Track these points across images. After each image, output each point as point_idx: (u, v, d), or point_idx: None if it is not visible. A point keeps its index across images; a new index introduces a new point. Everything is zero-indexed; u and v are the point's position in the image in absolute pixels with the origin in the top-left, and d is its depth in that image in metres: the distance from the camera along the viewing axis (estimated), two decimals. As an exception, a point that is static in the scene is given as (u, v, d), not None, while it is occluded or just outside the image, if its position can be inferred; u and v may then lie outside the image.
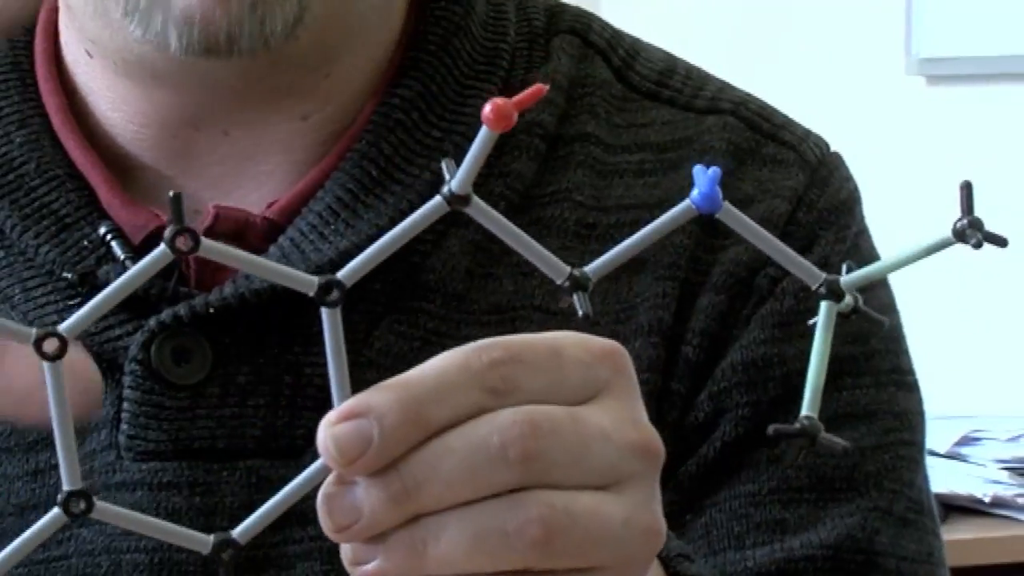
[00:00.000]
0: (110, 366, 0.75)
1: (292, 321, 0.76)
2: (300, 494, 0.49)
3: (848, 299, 0.49)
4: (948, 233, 0.45)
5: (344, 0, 0.77)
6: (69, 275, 0.76)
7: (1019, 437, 1.82)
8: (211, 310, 0.74)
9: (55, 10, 0.81)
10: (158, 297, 0.75)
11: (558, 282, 0.49)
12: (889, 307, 0.82)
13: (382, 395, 0.48)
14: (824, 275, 0.50)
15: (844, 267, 0.51)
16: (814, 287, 0.50)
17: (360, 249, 0.69)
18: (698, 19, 2.40)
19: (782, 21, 2.44)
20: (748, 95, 0.84)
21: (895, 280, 0.78)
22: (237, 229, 0.76)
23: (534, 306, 0.77)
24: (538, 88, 0.46)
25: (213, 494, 0.74)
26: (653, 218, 0.74)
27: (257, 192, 0.78)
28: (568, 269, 0.48)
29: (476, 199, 0.47)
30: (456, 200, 0.45)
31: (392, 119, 0.78)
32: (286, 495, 0.49)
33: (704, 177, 0.47)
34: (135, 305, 0.74)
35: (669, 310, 0.77)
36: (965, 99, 2.37)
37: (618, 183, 0.81)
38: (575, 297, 0.48)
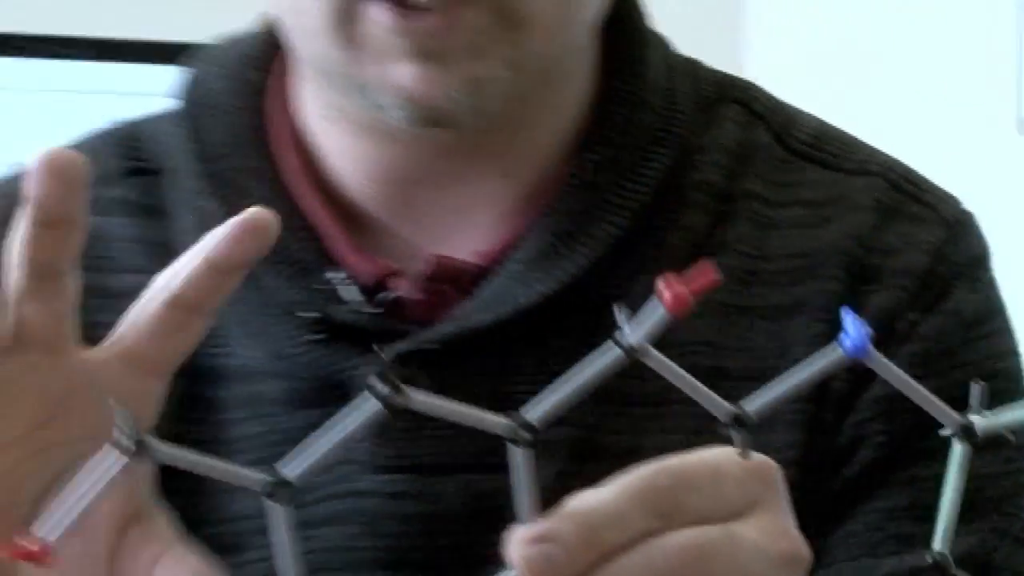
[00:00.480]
0: (341, 392, 0.80)
1: (500, 356, 0.83)
2: None
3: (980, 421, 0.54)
4: None
5: (547, 73, 0.83)
6: (305, 314, 0.83)
7: None
8: (432, 345, 0.81)
9: (285, 82, 0.89)
10: (385, 331, 0.82)
11: (722, 420, 0.54)
12: (1010, 352, 0.88)
13: (565, 523, 0.53)
14: (959, 419, 0.54)
15: (977, 396, 0.55)
16: (950, 432, 0.55)
17: (559, 296, 0.82)
18: (816, 78, 2.45)
19: (898, 79, 2.48)
20: (894, 159, 0.90)
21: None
22: (452, 275, 0.83)
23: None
24: (708, 272, 0.51)
25: (436, 502, 0.82)
26: (805, 267, 0.85)
27: (466, 240, 0.85)
28: (730, 410, 0.53)
29: (651, 349, 0.51)
30: (634, 351, 0.51)
31: (584, 180, 0.84)
32: None
33: (855, 327, 0.51)
34: (363, 339, 0.82)
35: (822, 343, 0.80)
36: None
37: (776, 235, 0.86)
38: (734, 433, 0.54)
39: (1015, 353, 0.89)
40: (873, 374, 0.78)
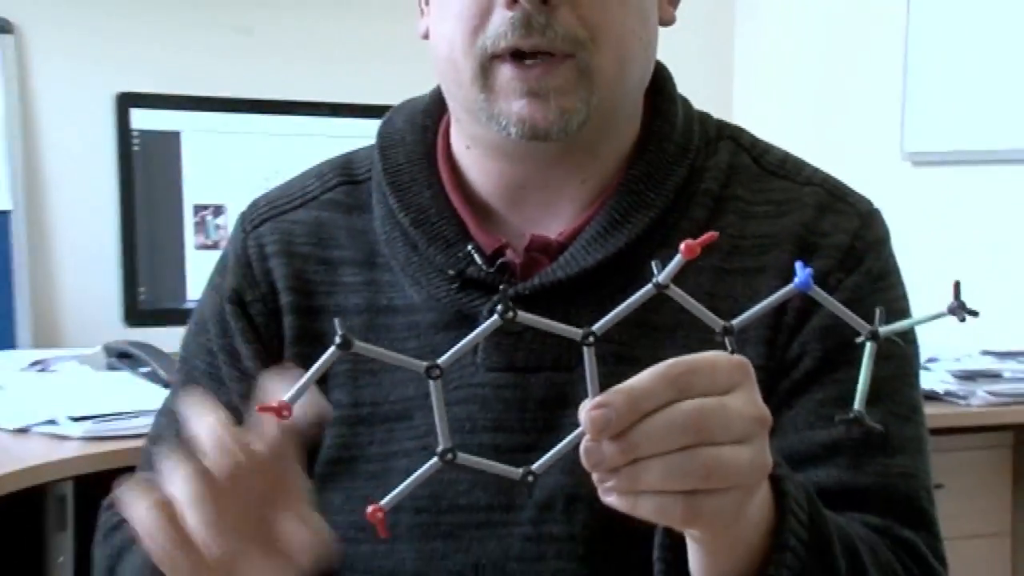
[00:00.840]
0: (470, 319, 0.99)
1: (571, 300, 0.99)
2: (575, 442, 0.69)
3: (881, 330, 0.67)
4: (943, 308, 0.63)
5: (610, 113, 1.00)
6: (451, 272, 1.02)
7: (961, 358, 2.41)
8: (527, 292, 0.99)
9: (448, 124, 1.08)
10: (499, 283, 1.00)
11: (716, 329, 0.68)
12: (902, 298, 1.05)
13: (616, 396, 0.67)
14: (869, 327, 0.67)
15: (879, 315, 0.66)
16: (864, 333, 0.68)
17: (606, 263, 0.98)
18: (781, 119, 3.01)
19: (804, 117, 3.05)
20: (829, 175, 1.07)
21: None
22: (543, 246, 1.02)
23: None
24: (711, 235, 0.65)
25: (527, 390, 1.00)
26: (771, 243, 1.01)
27: (553, 225, 1.03)
28: (721, 323, 0.67)
29: (673, 286, 0.65)
30: (661, 287, 0.65)
31: (630, 187, 1.02)
32: (568, 441, 0.69)
33: (803, 271, 0.65)
34: (485, 287, 1.01)
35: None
36: (944, 179, 2.83)
37: (752, 223, 1.03)
38: (726, 340, 0.68)
39: (905, 298, 1.05)
40: (814, 310, 0.98)
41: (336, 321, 0.64)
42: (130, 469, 1.66)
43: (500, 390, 1.00)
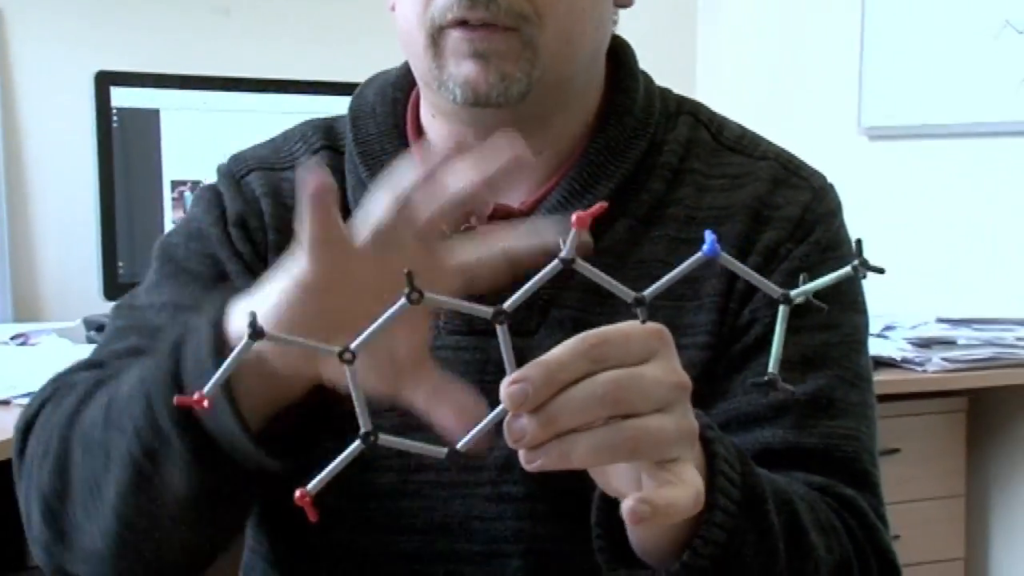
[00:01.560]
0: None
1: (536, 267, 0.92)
2: (500, 417, 0.67)
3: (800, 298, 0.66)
4: (848, 268, 0.63)
5: (556, 86, 1.01)
6: None
7: (917, 326, 2.45)
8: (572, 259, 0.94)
9: (418, 96, 1.09)
10: None
11: (628, 301, 0.67)
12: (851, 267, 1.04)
13: (532, 370, 0.67)
14: (781, 291, 0.67)
15: (801, 279, 0.66)
16: (776, 296, 0.67)
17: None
18: (739, 95, 3.06)
19: (763, 92, 3.11)
20: (783, 150, 1.09)
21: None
22: (505, 214, 1.02)
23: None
24: (600, 206, 0.64)
25: (486, 352, 1.01)
26: (725, 215, 1.01)
27: (514, 195, 1.04)
28: (633, 295, 0.66)
29: (579, 260, 0.64)
30: (567, 263, 0.64)
31: (590, 159, 1.04)
32: (493, 416, 0.68)
33: (710, 239, 0.64)
34: None
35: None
36: (900, 153, 2.86)
37: (709, 195, 1.05)
38: (638, 311, 0.67)
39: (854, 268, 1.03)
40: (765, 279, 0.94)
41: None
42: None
43: (460, 352, 1.01)
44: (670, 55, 3.03)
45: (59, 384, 1.02)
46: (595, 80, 1.07)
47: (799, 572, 0.87)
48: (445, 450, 0.68)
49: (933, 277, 2.78)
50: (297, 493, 0.65)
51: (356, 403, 0.66)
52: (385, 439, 0.66)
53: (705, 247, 0.64)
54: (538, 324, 1.00)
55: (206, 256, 1.08)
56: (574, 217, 0.63)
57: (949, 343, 2.44)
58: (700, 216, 1.03)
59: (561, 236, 0.64)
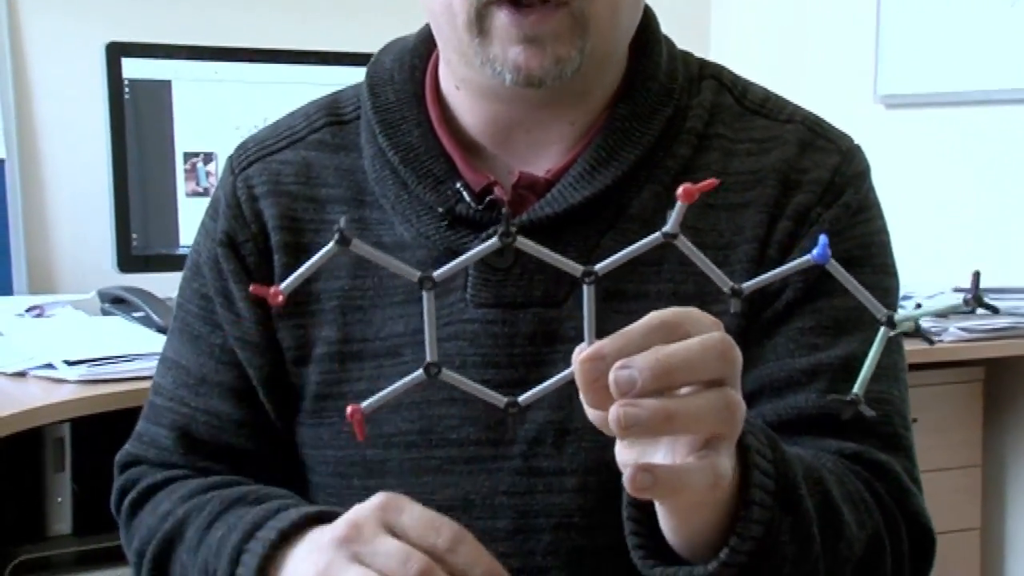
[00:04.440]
0: (458, 256, 0.88)
1: (560, 237, 0.99)
2: (567, 379, 0.68)
3: (907, 325, 0.66)
4: (960, 301, 0.65)
5: (602, 58, 1.01)
6: (441, 209, 1.02)
7: (934, 295, 2.42)
8: (515, 228, 0.93)
9: (436, 63, 1.08)
10: (487, 220, 1.01)
11: (724, 289, 0.67)
12: (881, 231, 1.06)
13: (641, 359, 0.66)
14: (886, 311, 0.66)
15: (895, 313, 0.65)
16: (880, 318, 0.66)
17: (593, 199, 0.99)
18: (757, 59, 3.08)
19: (779, 60, 3.11)
20: (809, 112, 1.09)
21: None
22: (531, 183, 1.03)
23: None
24: (711, 182, 0.64)
25: (515, 325, 1.01)
26: (754, 180, 1.02)
27: (541, 163, 1.04)
28: (731, 284, 0.66)
29: (682, 236, 0.64)
30: (669, 236, 0.65)
31: (616, 126, 1.03)
32: (560, 378, 0.68)
33: (824, 241, 0.65)
34: (473, 224, 1.01)
35: (763, 228, 1.01)
36: (915, 120, 2.87)
37: (736, 160, 1.04)
38: (732, 301, 0.67)
39: (884, 231, 1.06)
40: (795, 244, 0.99)
41: (342, 219, 0.63)
42: (125, 412, 1.73)
43: (489, 326, 1.00)
44: (684, 21, 2.99)
45: (119, 485, 1.12)
46: (623, 51, 1.06)
47: (833, 552, 0.87)
48: (505, 399, 0.67)
49: (950, 246, 2.77)
50: (349, 409, 0.65)
51: (427, 331, 0.65)
52: (448, 374, 0.65)
53: (816, 251, 0.64)
54: (566, 295, 1.00)
55: (201, 298, 1.11)
56: (681, 189, 0.62)
57: (966, 312, 2.40)
58: (728, 181, 1.02)
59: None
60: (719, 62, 1.12)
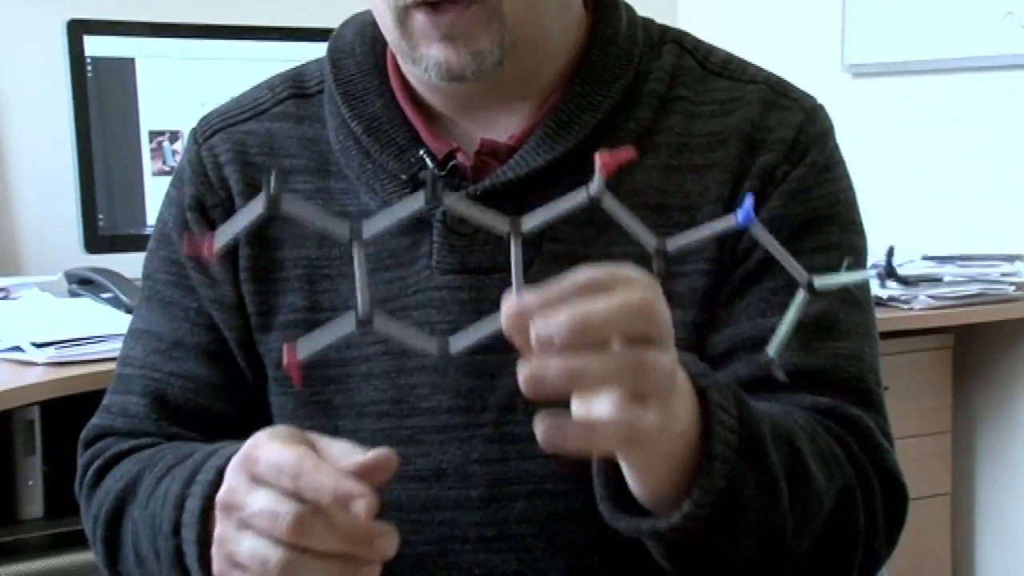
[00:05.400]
0: (424, 224, 1.02)
1: (520, 201, 0.97)
2: (495, 327, 0.69)
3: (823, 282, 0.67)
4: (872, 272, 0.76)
5: (532, 44, 1.01)
6: (404, 176, 1.04)
7: (903, 264, 2.42)
8: (478, 193, 1.00)
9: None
10: (452, 187, 1.02)
11: (648, 249, 0.67)
12: (847, 188, 1.07)
13: (560, 314, 0.68)
14: (808, 276, 0.67)
15: (844, 265, 0.68)
16: (801, 282, 0.67)
17: (555, 163, 0.99)
18: (722, 27, 3.10)
19: (746, 30, 3.11)
20: (771, 73, 1.09)
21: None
22: (493, 150, 1.04)
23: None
24: (628, 152, 0.66)
25: (481, 291, 1.01)
26: (718, 141, 1.02)
27: (502, 129, 1.05)
28: (654, 243, 0.67)
29: (607, 198, 0.65)
30: (594, 200, 0.66)
31: (575, 91, 1.04)
32: (488, 325, 0.69)
33: (748, 204, 0.65)
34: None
35: (727, 188, 1.02)
36: (884, 89, 2.88)
37: (699, 122, 1.05)
38: (655, 261, 0.68)
39: (850, 189, 1.07)
40: (763, 204, 0.99)
41: (271, 177, 0.64)
42: (95, 393, 1.69)
43: (455, 292, 1.01)
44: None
45: (84, 461, 1.10)
46: (575, 18, 1.06)
47: (802, 505, 0.88)
48: (436, 344, 0.68)
49: (918, 214, 2.78)
50: (284, 351, 0.65)
51: (358, 282, 0.65)
52: (381, 323, 0.65)
53: (739, 215, 0.64)
54: (531, 259, 1.01)
55: (172, 264, 1.11)
56: (598, 160, 0.63)
57: (935, 280, 2.44)
58: (692, 143, 1.03)
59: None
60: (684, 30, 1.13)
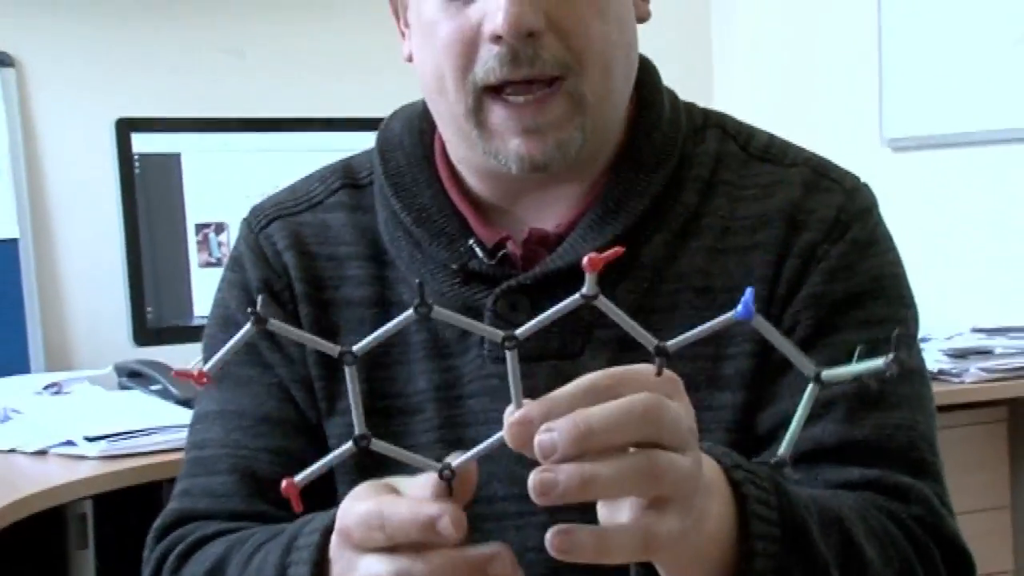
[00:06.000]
0: (475, 312, 1.01)
1: (573, 287, 0.89)
2: (498, 443, 0.68)
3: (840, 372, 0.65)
4: (880, 362, 0.62)
5: (601, 126, 1.03)
6: (454, 266, 1.04)
7: (952, 336, 2.45)
8: (528, 282, 1.02)
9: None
10: (501, 275, 1.03)
11: (649, 348, 0.67)
12: (893, 263, 1.06)
13: (562, 422, 0.67)
14: (815, 368, 0.66)
15: (856, 354, 0.65)
16: (808, 375, 0.66)
17: (607, 248, 0.82)
18: (760, 105, 3.08)
19: (783, 106, 3.10)
20: (813, 154, 1.10)
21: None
22: (541, 238, 1.05)
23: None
24: (616, 251, 0.65)
25: (533, 379, 0.92)
26: (760, 223, 1.03)
27: (550, 218, 1.07)
28: (655, 343, 0.66)
29: (602, 297, 0.64)
30: (588, 297, 0.65)
31: (622, 177, 1.05)
32: (490, 443, 0.69)
33: (748, 297, 0.64)
34: (487, 280, 1.03)
35: (771, 269, 1.03)
36: (924, 163, 2.88)
37: (742, 204, 1.06)
38: (656, 360, 0.67)
39: (897, 263, 1.07)
40: (803, 281, 1.00)
41: (259, 299, 0.66)
42: (147, 486, 1.74)
43: (508, 380, 0.99)
44: (686, 70, 2.98)
45: (161, 549, 1.05)
46: (624, 106, 1.07)
47: None
48: (440, 465, 0.68)
49: (966, 287, 2.76)
50: (284, 483, 0.67)
51: (352, 405, 0.66)
52: (377, 444, 0.66)
53: (739, 309, 0.63)
54: (582, 346, 1.01)
55: (243, 346, 1.07)
56: (586, 259, 0.62)
57: (985, 353, 2.41)
58: (735, 226, 1.04)
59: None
60: (722, 110, 1.14)
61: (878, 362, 0.62)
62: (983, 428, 2.56)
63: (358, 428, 0.66)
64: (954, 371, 2.35)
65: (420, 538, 0.72)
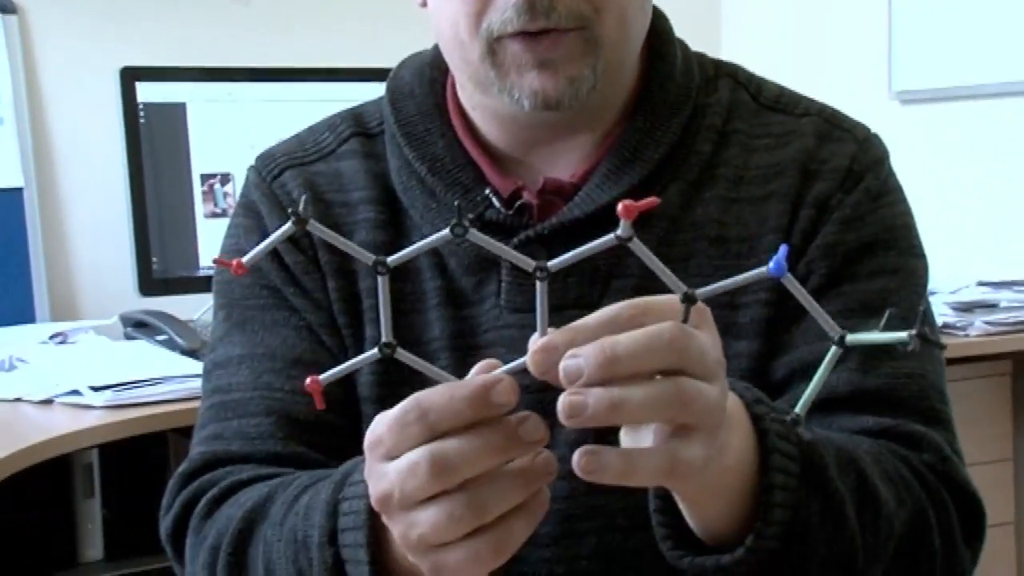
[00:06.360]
0: (491, 263, 1.03)
1: (587, 238, 0.90)
2: (523, 367, 0.69)
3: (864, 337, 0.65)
4: (904, 335, 0.62)
5: (615, 72, 1.03)
6: (471, 216, 0.98)
7: (957, 290, 2.45)
8: (546, 232, 1.02)
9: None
10: (517, 225, 1.04)
11: (677, 294, 0.66)
12: (904, 214, 1.08)
13: (588, 348, 0.67)
14: (840, 330, 0.65)
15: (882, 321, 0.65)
16: (833, 337, 0.66)
17: (624, 197, 0.83)
18: (766, 59, 3.10)
19: (792, 59, 3.08)
20: (824, 104, 1.11)
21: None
22: (557, 188, 1.05)
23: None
24: (652, 200, 0.65)
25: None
26: (774, 172, 1.04)
27: (566, 167, 1.07)
28: (684, 289, 0.66)
29: (636, 240, 0.64)
30: (623, 239, 0.64)
31: (636, 127, 1.06)
32: (515, 365, 0.69)
33: (781, 255, 0.63)
34: (504, 230, 1.03)
35: (786, 218, 1.04)
36: (932, 115, 2.88)
37: (755, 155, 1.07)
38: (683, 307, 0.67)
39: (908, 214, 1.08)
40: (817, 231, 1.01)
41: (303, 199, 0.65)
42: (152, 436, 1.75)
43: (525, 330, 0.94)
44: (695, 22, 3.00)
45: (189, 494, 1.03)
46: (637, 54, 1.08)
47: (872, 530, 0.86)
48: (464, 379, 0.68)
49: (972, 240, 2.76)
50: (308, 380, 0.67)
51: (383, 313, 0.67)
52: (402, 353, 0.67)
53: (771, 266, 0.63)
54: (600, 295, 1.01)
55: (264, 289, 1.09)
56: (620, 207, 0.63)
57: (991, 306, 2.42)
58: (749, 175, 1.05)
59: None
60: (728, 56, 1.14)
61: (902, 335, 0.62)
62: (987, 381, 2.57)
63: (386, 335, 0.66)
64: (959, 324, 2.35)
65: (471, 415, 0.70)
